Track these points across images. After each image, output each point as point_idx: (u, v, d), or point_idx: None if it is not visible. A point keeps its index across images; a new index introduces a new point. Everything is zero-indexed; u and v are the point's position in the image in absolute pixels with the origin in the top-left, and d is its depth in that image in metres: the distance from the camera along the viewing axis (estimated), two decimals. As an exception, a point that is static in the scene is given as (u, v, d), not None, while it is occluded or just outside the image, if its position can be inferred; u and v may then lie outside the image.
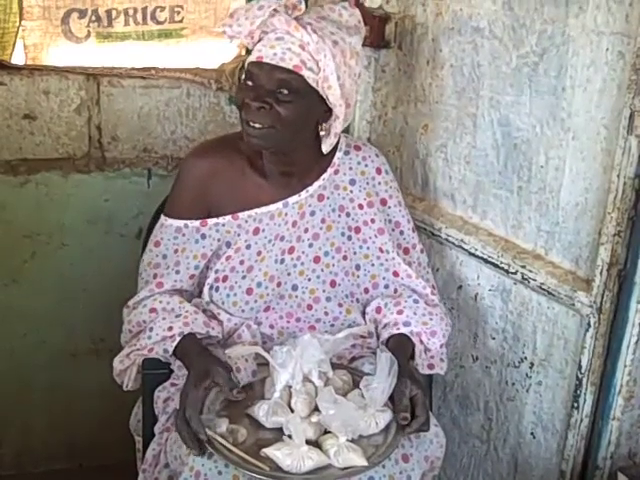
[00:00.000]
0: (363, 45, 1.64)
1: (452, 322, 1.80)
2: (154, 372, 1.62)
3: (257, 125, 1.54)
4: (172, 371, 1.63)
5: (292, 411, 1.49)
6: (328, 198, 1.72)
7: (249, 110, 1.54)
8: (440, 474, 1.67)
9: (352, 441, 1.43)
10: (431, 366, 1.69)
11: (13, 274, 2.18)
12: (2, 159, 2.10)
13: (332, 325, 1.72)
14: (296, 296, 1.72)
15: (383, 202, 1.76)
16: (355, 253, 1.74)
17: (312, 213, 1.71)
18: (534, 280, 1.71)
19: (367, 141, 2.06)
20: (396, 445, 1.46)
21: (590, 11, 1.52)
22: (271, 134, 1.55)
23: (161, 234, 1.71)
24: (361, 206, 1.73)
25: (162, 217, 1.72)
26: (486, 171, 1.83)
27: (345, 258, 1.73)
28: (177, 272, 1.68)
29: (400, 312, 1.70)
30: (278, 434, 1.45)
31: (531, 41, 1.65)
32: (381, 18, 1.98)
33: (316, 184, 1.71)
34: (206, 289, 1.70)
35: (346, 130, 1.87)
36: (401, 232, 1.78)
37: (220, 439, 1.42)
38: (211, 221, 1.68)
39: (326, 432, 1.46)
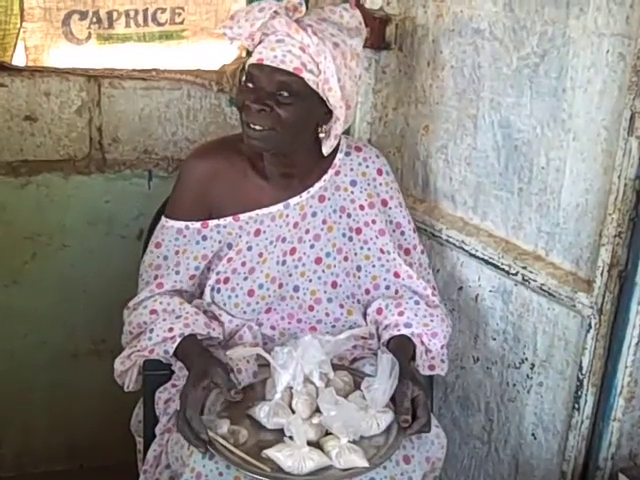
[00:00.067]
0: (364, 47, 1.65)
1: (453, 323, 1.80)
2: (155, 373, 1.62)
3: (257, 127, 1.54)
4: (173, 372, 1.63)
5: (293, 412, 1.49)
6: (329, 199, 1.72)
7: (249, 112, 1.54)
8: (441, 475, 1.67)
9: (353, 442, 1.43)
10: (432, 367, 1.69)
11: (14, 275, 2.18)
12: (3, 160, 2.10)
13: (333, 326, 1.72)
14: (297, 297, 1.72)
15: (384, 203, 1.76)
16: (356, 254, 1.74)
17: (313, 214, 1.71)
18: (535, 281, 1.71)
19: (368, 142, 2.05)
20: (397, 446, 1.46)
21: (591, 12, 1.53)
22: (271, 136, 1.55)
23: (162, 235, 1.71)
24: (362, 207, 1.74)
25: (163, 218, 1.73)
26: (487, 172, 1.83)
27: (346, 259, 1.73)
28: (177, 273, 1.68)
29: (401, 313, 1.70)
30: (279, 435, 1.45)
31: (532, 42, 1.65)
32: (382, 20, 1.98)
33: (317, 185, 1.71)
34: (207, 290, 1.70)
35: (347, 131, 1.87)
36: (402, 233, 1.78)
37: (221, 440, 1.42)
38: (212, 222, 1.69)
39: (327, 433, 1.46)
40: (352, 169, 1.74)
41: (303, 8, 1.56)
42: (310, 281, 1.72)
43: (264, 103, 1.52)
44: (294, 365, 1.48)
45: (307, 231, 1.71)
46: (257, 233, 1.69)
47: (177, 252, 1.69)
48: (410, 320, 1.69)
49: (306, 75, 1.52)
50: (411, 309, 1.70)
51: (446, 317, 1.75)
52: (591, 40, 1.53)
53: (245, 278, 1.68)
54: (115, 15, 2.27)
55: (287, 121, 1.53)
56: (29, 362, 2.25)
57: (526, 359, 1.80)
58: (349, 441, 1.42)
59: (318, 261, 1.72)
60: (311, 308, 1.72)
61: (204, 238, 1.69)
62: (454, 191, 1.93)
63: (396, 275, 1.75)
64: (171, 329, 1.58)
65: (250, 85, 1.55)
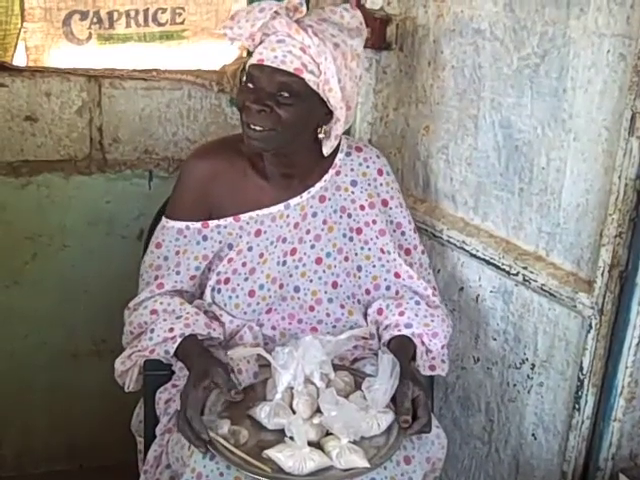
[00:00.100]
0: (364, 47, 1.64)
1: (453, 323, 1.80)
2: (155, 373, 1.62)
3: (258, 128, 1.54)
4: (173, 372, 1.63)
5: (294, 412, 1.49)
6: (329, 199, 1.72)
7: (250, 113, 1.54)
8: (441, 475, 1.67)
9: (354, 442, 1.43)
10: (432, 367, 1.69)
11: (14, 275, 2.18)
12: (4, 161, 2.10)
13: (334, 326, 1.72)
14: (298, 298, 1.72)
15: (384, 203, 1.76)
16: (356, 254, 1.74)
17: (314, 214, 1.71)
18: (535, 281, 1.71)
19: (368, 142, 2.06)
20: (398, 446, 1.46)
21: (591, 13, 1.53)
22: (272, 137, 1.55)
23: (162, 236, 1.71)
24: (362, 207, 1.74)
25: (163, 219, 1.73)
26: (487, 172, 1.83)
27: (347, 259, 1.73)
28: (177, 273, 1.68)
29: (402, 313, 1.70)
30: (280, 435, 1.45)
31: (532, 43, 1.65)
32: (382, 20, 1.98)
33: (317, 185, 1.71)
34: (208, 291, 1.70)
35: (347, 132, 1.87)
36: (402, 233, 1.78)
37: (222, 440, 1.42)
38: (212, 223, 1.69)
39: (328, 433, 1.46)
40: (353, 169, 1.74)
41: (304, 8, 1.55)
42: (311, 281, 1.71)
43: (264, 104, 1.52)
44: (295, 365, 1.48)
45: (308, 231, 1.71)
46: (258, 233, 1.69)
47: (177, 252, 1.69)
48: (411, 320, 1.69)
49: (307, 76, 1.52)
50: (412, 309, 1.70)
51: (447, 317, 1.75)
52: (592, 40, 1.53)
53: (246, 279, 1.68)
54: (116, 15, 2.27)
55: (287, 122, 1.53)
56: (29, 362, 2.25)
57: (527, 359, 1.80)
58: (350, 441, 1.42)
59: (319, 261, 1.72)
60: (312, 308, 1.72)
61: (204, 238, 1.69)
62: (455, 191, 1.93)
63: (396, 275, 1.75)
64: (172, 329, 1.58)
65: (250, 86, 1.55)
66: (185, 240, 1.69)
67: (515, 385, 1.84)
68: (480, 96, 1.81)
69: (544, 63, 1.64)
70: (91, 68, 2.16)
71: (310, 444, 1.41)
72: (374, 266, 1.74)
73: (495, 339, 1.88)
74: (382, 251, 1.74)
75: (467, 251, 1.88)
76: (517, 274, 1.75)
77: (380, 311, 1.73)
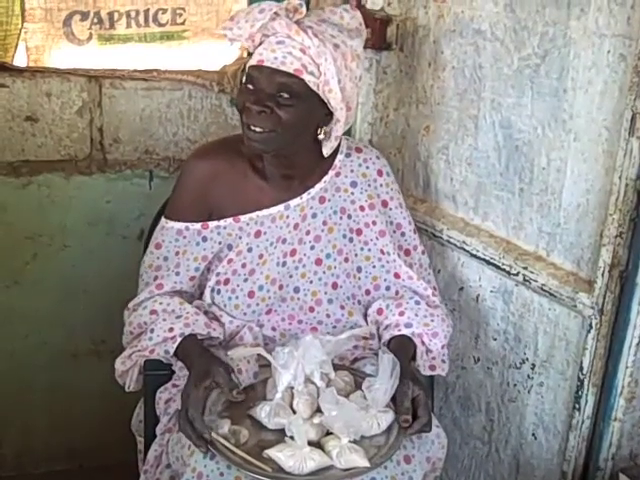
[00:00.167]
0: (365, 47, 1.64)
1: (453, 323, 1.80)
2: (156, 373, 1.62)
3: (258, 129, 1.54)
4: (173, 372, 1.63)
5: (294, 412, 1.49)
6: (329, 200, 1.72)
7: (250, 114, 1.54)
8: (442, 475, 1.67)
9: (354, 442, 1.43)
10: (432, 367, 1.69)
11: (15, 275, 2.18)
12: (4, 161, 2.10)
13: (334, 327, 1.72)
14: (298, 298, 1.72)
15: (384, 204, 1.76)
16: (356, 255, 1.74)
17: (314, 215, 1.71)
18: (535, 281, 1.72)
19: (369, 143, 2.06)
20: (398, 446, 1.46)
21: (592, 13, 1.53)
22: (272, 138, 1.55)
23: (162, 236, 1.71)
24: (362, 208, 1.74)
25: (163, 219, 1.72)
26: (487, 173, 1.83)
27: (346, 260, 1.73)
28: (177, 274, 1.68)
29: (402, 313, 1.70)
30: (280, 435, 1.45)
31: (533, 43, 1.65)
32: (383, 20, 1.98)
33: (317, 186, 1.71)
34: (207, 292, 1.70)
35: (347, 132, 1.87)
36: (402, 234, 1.78)
37: (222, 440, 1.42)
38: (212, 224, 1.68)
39: (328, 433, 1.46)
40: (352, 170, 1.74)
41: (303, 9, 1.55)
42: (311, 282, 1.71)
43: (264, 105, 1.52)
44: (295, 365, 1.48)
45: (307, 232, 1.71)
46: (257, 234, 1.69)
47: (177, 253, 1.69)
48: (411, 320, 1.69)
49: (307, 77, 1.52)
50: (412, 309, 1.70)
51: (447, 317, 1.75)
52: (592, 41, 1.54)
53: (245, 279, 1.68)
54: (116, 16, 2.27)
55: (287, 123, 1.53)
56: (29, 362, 2.25)
57: (527, 359, 1.80)
58: (350, 441, 1.42)
59: (318, 262, 1.72)
60: (312, 309, 1.72)
61: (204, 239, 1.69)
62: (455, 191, 1.93)
63: (396, 276, 1.75)
64: (171, 329, 1.58)
65: (250, 87, 1.55)
66: (185, 241, 1.69)
67: (515, 385, 1.84)
68: (480, 96, 1.81)
69: (544, 63, 1.64)
70: (92, 68, 2.16)
71: (310, 444, 1.41)
72: (374, 267, 1.75)
73: (495, 339, 1.88)
74: (382, 252, 1.74)
75: (467, 251, 1.88)
76: (517, 274, 1.75)
77: (380, 311, 1.73)
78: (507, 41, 1.72)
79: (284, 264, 1.70)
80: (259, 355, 1.56)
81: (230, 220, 1.68)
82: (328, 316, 1.72)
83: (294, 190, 1.69)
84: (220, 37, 1.61)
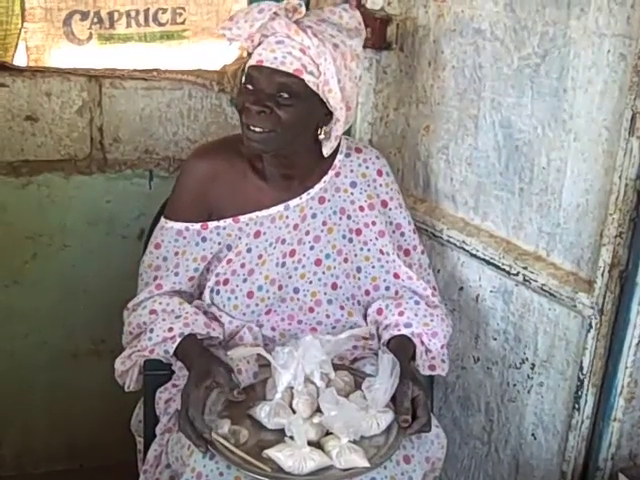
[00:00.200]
0: (365, 47, 1.65)
1: (453, 323, 1.80)
2: (155, 373, 1.62)
3: (257, 129, 1.53)
4: (173, 372, 1.63)
5: (294, 412, 1.49)
6: (329, 201, 1.72)
7: (249, 114, 1.53)
8: (441, 475, 1.67)
9: (354, 442, 1.43)
10: (432, 367, 1.69)
11: (14, 275, 2.18)
12: (4, 160, 2.10)
13: (334, 327, 1.72)
14: (297, 299, 1.72)
15: (384, 204, 1.76)
16: (356, 255, 1.74)
17: (313, 216, 1.71)
18: (535, 281, 1.71)
19: (368, 143, 2.06)
20: (397, 446, 1.46)
21: (592, 13, 1.53)
22: (272, 138, 1.54)
23: (161, 236, 1.71)
24: (362, 208, 1.73)
25: (162, 219, 1.72)
26: (487, 172, 1.83)
27: (346, 260, 1.73)
28: (176, 274, 1.68)
29: (401, 313, 1.70)
30: (280, 435, 1.45)
31: (533, 43, 1.65)
32: (383, 20, 1.98)
33: (317, 187, 1.71)
34: (207, 292, 1.70)
35: (347, 132, 1.87)
36: (402, 234, 1.78)
37: (222, 440, 1.42)
38: (212, 224, 1.68)
39: (328, 433, 1.46)
40: (352, 170, 1.74)
41: (303, 9, 1.55)
42: (310, 283, 1.71)
43: (264, 105, 1.52)
44: (295, 365, 1.48)
45: (307, 233, 1.71)
46: (257, 235, 1.69)
47: (176, 253, 1.69)
48: (410, 320, 1.69)
49: (306, 77, 1.52)
50: (411, 309, 1.70)
51: (446, 317, 1.75)
52: (592, 40, 1.54)
53: (244, 280, 1.68)
54: (116, 15, 2.27)
55: (287, 123, 1.53)
56: (29, 362, 2.25)
57: (527, 359, 1.80)
58: (349, 441, 1.42)
59: (318, 263, 1.71)
60: (311, 310, 1.72)
61: (204, 240, 1.69)
62: (455, 191, 1.93)
63: (396, 276, 1.74)
64: (171, 329, 1.58)
65: (250, 87, 1.55)
66: (184, 241, 1.69)
67: (515, 385, 1.84)
68: (480, 96, 1.81)
69: (544, 63, 1.64)
70: (92, 68, 2.15)
71: (310, 444, 1.41)
72: (373, 267, 1.74)
73: (495, 339, 1.88)
74: (381, 252, 1.74)
75: (467, 251, 1.88)
76: (517, 274, 1.75)
77: (380, 311, 1.73)
78: (507, 41, 1.72)
79: (283, 264, 1.70)
80: (259, 355, 1.56)
81: (229, 220, 1.68)
82: (328, 316, 1.72)
83: (294, 190, 1.69)
84: (220, 37, 1.61)
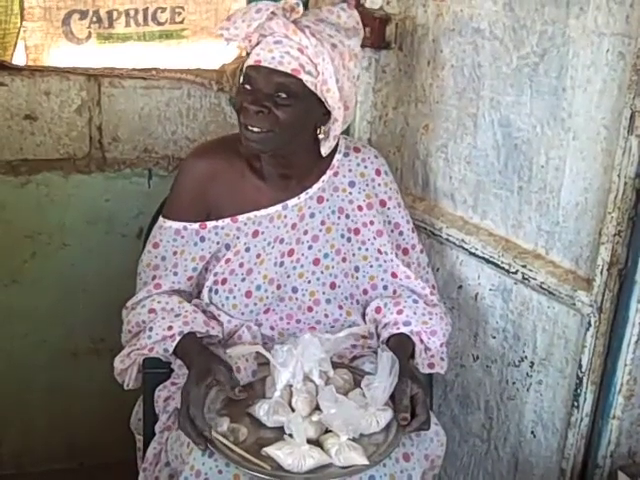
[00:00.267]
0: (364, 46, 1.65)
1: (452, 321, 1.80)
2: (155, 371, 1.62)
3: (256, 129, 1.53)
4: (172, 370, 1.63)
5: (293, 410, 1.49)
6: (327, 200, 1.72)
7: (247, 114, 1.53)
8: (440, 473, 1.67)
9: (353, 440, 1.43)
10: (431, 365, 1.69)
11: (13, 274, 2.18)
12: (3, 159, 2.10)
13: (332, 327, 1.72)
14: (296, 298, 1.72)
15: (382, 203, 1.76)
16: (354, 255, 1.74)
17: (312, 215, 1.71)
18: (534, 280, 1.72)
19: (368, 141, 2.06)
20: (397, 444, 1.46)
21: (591, 12, 1.53)
22: (270, 138, 1.54)
23: (160, 236, 1.71)
24: (360, 208, 1.73)
25: (160, 218, 1.72)
26: (486, 171, 1.83)
27: (344, 260, 1.73)
28: (175, 274, 1.68)
29: (400, 312, 1.70)
30: (279, 433, 1.45)
31: (532, 42, 1.66)
32: (382, 19, 1.98)
33: (315, 186, 1.70)
34: (205, 291, 1.70)
35: (347, 131, 1.87)
36: (400, 233, 1.78)
37: (221, 438, 1.42)
38: (210, 224, 1.68)
39: (327, 431, 1.46)
40: (350, 170, 1.74)
41: (300, 8, 1.55)
42: (309, 282, 1.71)
43: (262, 105, 1.52)
44: (294, 363, 1.49)
45: (305, 232, 1.71)
46: (255, 234, 1.69)
47: (175, 253, 1.69)
48: (409, 318, 1.69)
49: (304, 77, 1.52)
50: (410, 307, 1.70)
51: (445, 315, 1.75)
52: (591, 39, 1.54)
53: (243, 279, 1.68)
54: (115, 14, 2.27)
55: (285, 122, 1.53)
56: (29, 361, 2.25)
57: (526, 357, 1.80)
58: (349, 439, 1.42)
59: (316, 262, 1.71)
60: (310, 309, 1.72)
61: (202, 239, 1.69)
62: (454, 190, 1.93)
63: (393, 275, 1.74)
64: (170, 327, 1.58)
65: (248, 87, 1.55)
66: (182, 241, 1.69)
67: (514, 383, 1.84)
68: (479, 95, 1.81)
69: (543, 62, 1.64)
70: (90, 67, 2.16)
71: (309, 441, 1.41)
72: (371, 266, 1.74)
73: (494, 337, 1.88)
74: (379, 252, 1.74)
75: (466, 249, 1.88)
76: (516, 272, 1.76)
77: (378, 309, 1.73)
78: (506, 40, 1.72)
79: (282, 264, 1.70)
80: (258, 353, 1.56)
81: (228, 220, 1.68)
82: (326, 316, 1.72)
83: (292, 190, 1.69)
84: (219, 36, 1.61)
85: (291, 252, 1.70)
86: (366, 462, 1.40)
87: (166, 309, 1.63)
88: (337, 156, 1.73)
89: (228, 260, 1.68)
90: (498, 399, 1.89)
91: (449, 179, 1.94)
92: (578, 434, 1.67)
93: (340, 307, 1.73)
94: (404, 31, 2.00)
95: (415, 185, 2.05)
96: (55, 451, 2.34)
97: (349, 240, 1.73)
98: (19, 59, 2.19)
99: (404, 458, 1.48)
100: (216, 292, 1.69)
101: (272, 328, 1.71)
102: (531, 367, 1.79)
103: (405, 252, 1.78)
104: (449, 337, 1.74)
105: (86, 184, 2.17)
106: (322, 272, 1.71)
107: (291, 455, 1.38)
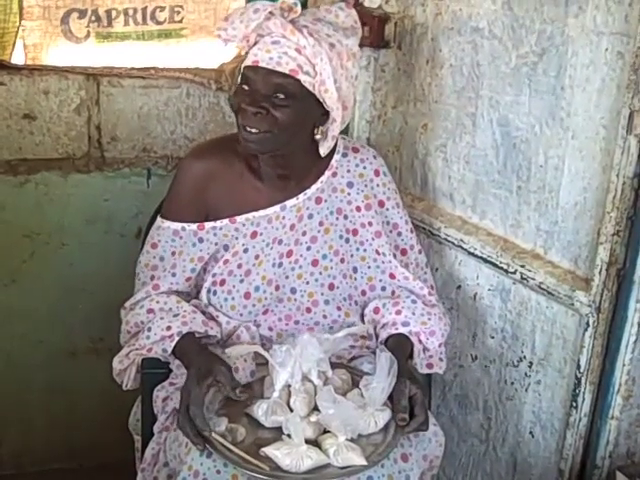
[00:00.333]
0: (362, 45, 1.65)
1: (451, 322, 1.80)
2: (153, 371, 1.62)
3: (254, 130, 1.53)
4: (171, 370, 1.63)
5: (291, 410, 1.49)
6: (326, 201, 1.71)
7: (245, 115, 1.53)
8: (439, 473, 1.67)
9: (351, 440, 1.43)
10: (430, 365, 1.69)
11: (12, 274, 2.18)
12: (2, 159, 2.09)
13: (331, 327, 1.72)
14: (295, 299, 1.71)
15: (381, 204, 1.76)
16: (352, 256, 1.74)
17: (310, 216, 1.70)
18: (533, 280, 1.71)
19: (366, 141, 2.06)
20: (395, 444, 1.46)
21: (589, 11, 1.53)
22: (268, 139, 1.54)
23: (158, 236, 1.70)
24: (359, 208, 1.73)
25: (159, 219, 1.72)
26: (485, 171, 1.83)
27: (343, 261, 1.73)
28: (173, 275, 1.68)
29: (398, 312, 1.70)
30: (277, 433, 1.45)
31: (530, 41, 1.65)
32: (380, 18, 1.98)
33: (314, 187, 1.70)
34: (204, 292, 1.70)
35: (345, 130, 1.87)
36: (399, 233, 1.78)
37: (219, 438, 1.42)
38: (208, 225, 1.68)
39: (325, 431, 1.46)
40: (349, 170, 1.74)
41: (298, 8, 1.54)
42: (307, 283, 1.71)
43: (260, 106, 1.51)
44: (292, 363, 1.49)
45: (304, 233, 1.70)
46: (253, 235, 1.68)
47: (173, 253, 1.69)
48: (408, 319, 1.68)
49: (302, 77, 1.51)
50: (408, 308, 1.70)
51: (444, 316, 1.75)
52: (590, 39, 1.54)
53: (241, 280, 1.68)
54: (114, 13, 2.27)
55: (283, 123, 1.52)
56: (27, 361, 2.24)
57: (524, 357, 1.80)
58: (347, 439, 1.42)
59: (315, 263, 1.71)
60: (308, 310, 1.72)
61: (200, 240, 1.68)
62: (453, 190, 1.93)
63: (392, 276, 1.74)
64: (169, 327, 1.58)
65: (245, 87, 1.54)
66: (181, 241, 1.69)
67: (513, 383, 1.84)
68: (478, 94, 1.81)
69: (542, 61, 1.64)
70: (89, 66, 2.15)
71: (307, 442, 1.41)
72: (369, 267, 1.74)
73: (493, 337, 1.88)
74: (377, 252, 1.73)
75: (465, 249, 1.88)
76: (515, 272, 1.75)
77: (377, 310, 1.73)
78: (505, 39, 1.71)
79: (280, 265, 1.70)
80: (256, 353, 1.56)
81: (226, 221, 1.68)
82: (325, 317, 1.72)
83: (290, 191, 1.69)
84: (217, 36, 1.60)
85: (290, 253, 1.70)
86: (364, 462, 1.40)
87: (164, 309, 1.63)
88: (336, 156, 1.73)
89: (226, 261, 1.68)
90: (497, 399, 1.89)
91: (448, 179, 1.94)
92: (576, 434, 1.67)
93: (339, 308, 1.73)
94: (403, 30, 1.99)
95: (414, 185, 2.05)
96: (54, 451, 2.34)
97: (347, 241, 1.73)
98: (18, 58, 2.19)
99: (402, 459, 1.48)
100: (214, 293, 1.69)
101: (271, 329, 1.71)
102: (530, 367, 1.79)
103: (403, 252, 1.78)
104: (448, 337, 1.74)
105: (85, 184, 2.17)
106: (320, 273, 1.71)
107: (289, 455, 1.38)
